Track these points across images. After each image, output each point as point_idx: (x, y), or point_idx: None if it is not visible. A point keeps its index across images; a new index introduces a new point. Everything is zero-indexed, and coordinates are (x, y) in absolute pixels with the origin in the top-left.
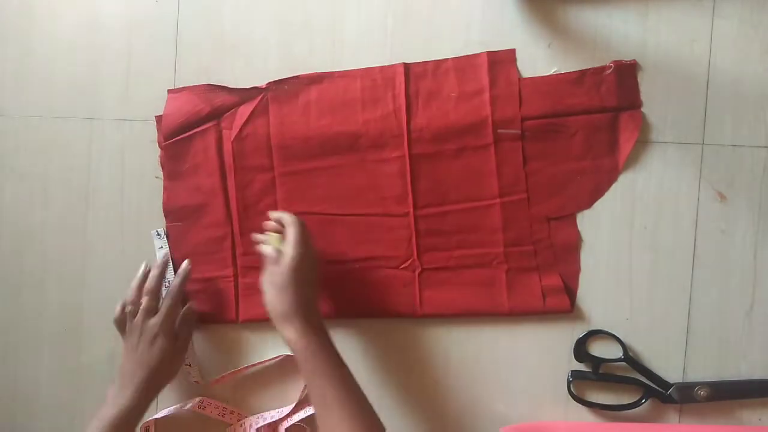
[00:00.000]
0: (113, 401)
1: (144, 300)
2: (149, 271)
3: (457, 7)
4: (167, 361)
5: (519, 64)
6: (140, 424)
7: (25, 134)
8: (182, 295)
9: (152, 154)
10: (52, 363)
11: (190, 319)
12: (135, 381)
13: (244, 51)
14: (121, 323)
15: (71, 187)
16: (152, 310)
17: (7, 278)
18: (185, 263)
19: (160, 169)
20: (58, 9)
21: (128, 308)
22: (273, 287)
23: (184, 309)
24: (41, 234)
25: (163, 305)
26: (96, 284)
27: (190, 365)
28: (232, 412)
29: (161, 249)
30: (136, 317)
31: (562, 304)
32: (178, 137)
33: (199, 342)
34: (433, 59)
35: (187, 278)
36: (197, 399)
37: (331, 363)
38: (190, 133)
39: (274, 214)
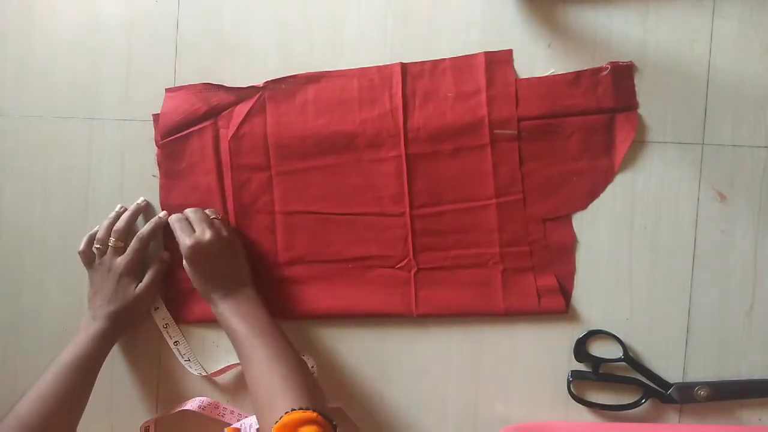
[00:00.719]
0: (84, 330)
1: (112, 240)
2: (121, 210)
3: (457, 7)
4: (132, 300)
5: (519, 64)
6: (141, 424)
7: (25, 134)
8: (151, 240)
9: (152, 153)
10: None
11: (160, 267)
12: (103, 313)
13: (243, 51)
14: (87, 257)
15: (71, 187)
16: (120, 250)
17: (7, 278)
18: (161, 213)
19: (157, 167)
20: (58, 9)
21: (96, 245)
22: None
23: (160, 255)
24: (41, 234)
25: (130, 246)
26: None
27: (157, 308)
28: (231, 412)
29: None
30: (105, 255)
31: (557, 304)
32: (175, 136)
33: (195, 337)
34: (432, 59)
35: (159, 226)
36: (197, 399)
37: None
38: (187, 131)
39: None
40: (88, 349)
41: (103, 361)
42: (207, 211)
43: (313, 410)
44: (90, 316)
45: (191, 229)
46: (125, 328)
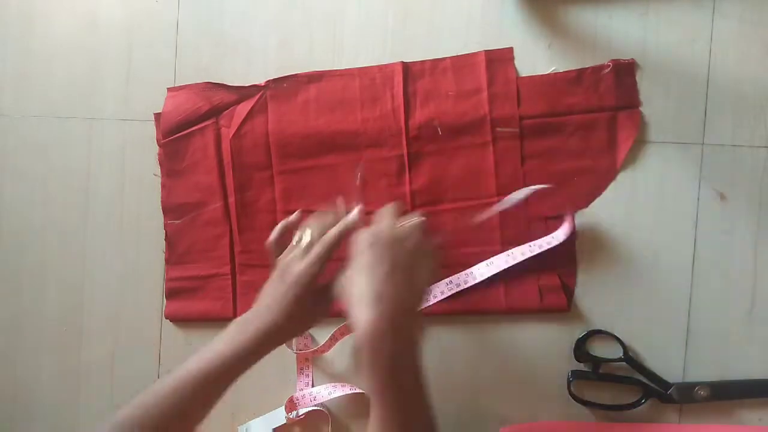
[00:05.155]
0: (257, 318)
1: (316, 247)
2: (331, 220)
3: (457, 7)
4: (291, 315)
5: (519, 64)
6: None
7: (25, 134)
8: (335, 249)
9: (152, 153)
10: (52, 363)
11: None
12: (287, 303)
13: (244, 51)
14: (278, 247)
15: (71, 187)
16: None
17: (7, 278)
18: (356, 210)
19: (159, 166)
20: (58, 9)
21: (294, 253)
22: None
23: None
24: (41, 234)
25: (313, 252)
26: (96, 284)
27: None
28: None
29: None
30: (291, 255)
31: (560, 302)
32: (177, 135)
33: (196, 341)
34: (433, 58)
35: (349, 229)
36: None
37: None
38: (189, 130)
39: None
40: (253, 344)
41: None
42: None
43: None
44: (265, 303)
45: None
46: (290, 336)
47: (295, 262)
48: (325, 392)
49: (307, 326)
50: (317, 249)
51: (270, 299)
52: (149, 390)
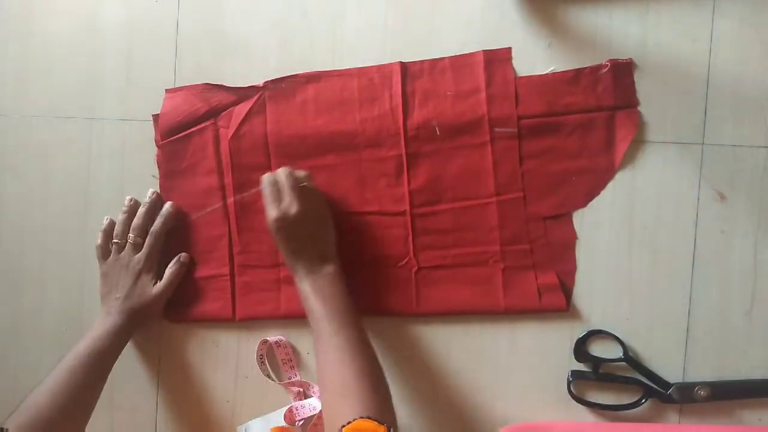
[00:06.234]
0: (100, 325)
1: (131, 236)
2: (133, 204)
3: (457, 7)
4: (150, 298)
5: (519, 64)
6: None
7: (25, 134)
8: (164, 234)
9: (152, 153)
10: (52, 363)
11: (180, 268)
12: (119, 309)
13: (243, 51)
14: (104, 251)
15: (71, 187)
16: (139, 246)
17: (7, 278)
18: (167, 205)
19: (157, 168)
20: (58, 9)
21: (115, 241)
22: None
23: (180, 257)
24: (41, 234)
25: (146, 242)
26: (96, 284)
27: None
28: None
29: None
30: (123, 251)
31: (558, 302)
32: (176, 136)
33: (194, 337)
34: (432, 58)
35: (169, 218)
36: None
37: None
38: (188, 132)
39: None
40: (104, 344)
41: (117, 356)
42: (298, 173)
43: (387, 427)
44: (105, 311)
45: (279, 198)
46: (140, 324)
47: (132, 255)
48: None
49: (157, 308)
50: (149, 240)
51: (110, 308)
52: (38, 390)
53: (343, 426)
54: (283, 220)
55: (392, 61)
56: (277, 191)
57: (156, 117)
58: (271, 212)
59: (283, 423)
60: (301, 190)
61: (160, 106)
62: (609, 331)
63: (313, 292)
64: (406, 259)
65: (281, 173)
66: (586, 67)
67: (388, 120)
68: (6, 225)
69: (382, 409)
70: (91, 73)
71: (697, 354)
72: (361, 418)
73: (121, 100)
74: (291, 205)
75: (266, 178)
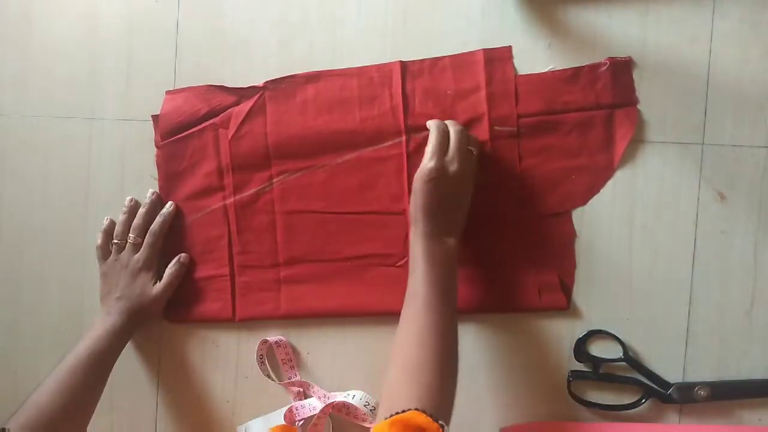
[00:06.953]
0: (100, 325)
1: (131, 236)
2: (133, 204)
3: (457, 7)
4: (150, 298)
5: (519, 64)
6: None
7: (25, 134)
8: (163, 234)
9: (152, 153)
10: (52, 363)
11: (180, 269)
12: (119, 309)
13: (244, 51)
14: (104, 252)
15: (71, 187)
16: (139, 247)
17: (8, 278)
18: (168, 205)
19: (156, 169)
20: (58, 9)
21: (115, 241)
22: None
23: (180, 257)
24: (41, 234)
25: (145, 242)
26: (96, 284)
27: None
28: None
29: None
30: (123, 251)
31: (559, 301)
32: (176, 137)
33: (194, 337)
34: (432, 57)
35: (169, 218)
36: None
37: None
38: (188, 132)
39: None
40: (104, 345)
41: (118, 356)
42: (471, 135)
43: (441, 425)
44: (105, 311)
45: (444, 150)
46: (140, 325)
47: (132, 255)
48: (322, 403)
49: (157, 308)
50: (149, 239)
51: (110, 308)
52: (39, 390)
53: (395, 413)
54: (439, 174)
55: (391, 60)
56: (445, 142)
57: (156, 118)
58: (431, 161)
59: (283, 423)
60: (466, 152)
61: (160, 106)
62: (609, 330)
63: (424, 255)
64: (406, 259)
65: (452, 126)
66: (585, 66)
67: (389, 119)
68: (6, 225)
69: (440, 405)
70: (91, 73)
71: (697, 354)
72: (416, 410)
73: (121, 100)
74: (453, 162)
75: (435, 123)
